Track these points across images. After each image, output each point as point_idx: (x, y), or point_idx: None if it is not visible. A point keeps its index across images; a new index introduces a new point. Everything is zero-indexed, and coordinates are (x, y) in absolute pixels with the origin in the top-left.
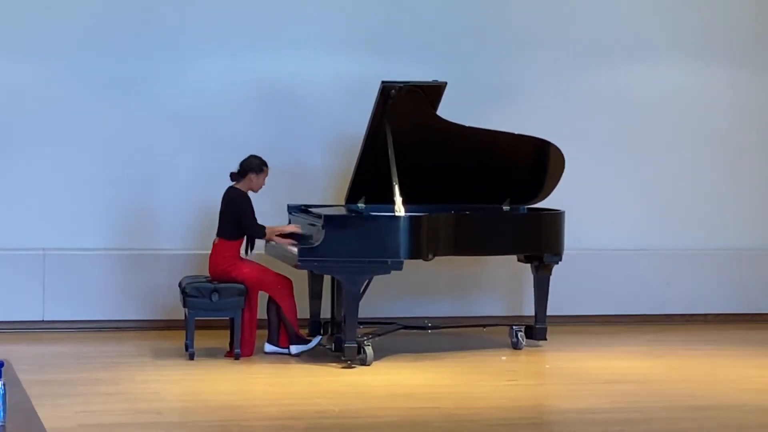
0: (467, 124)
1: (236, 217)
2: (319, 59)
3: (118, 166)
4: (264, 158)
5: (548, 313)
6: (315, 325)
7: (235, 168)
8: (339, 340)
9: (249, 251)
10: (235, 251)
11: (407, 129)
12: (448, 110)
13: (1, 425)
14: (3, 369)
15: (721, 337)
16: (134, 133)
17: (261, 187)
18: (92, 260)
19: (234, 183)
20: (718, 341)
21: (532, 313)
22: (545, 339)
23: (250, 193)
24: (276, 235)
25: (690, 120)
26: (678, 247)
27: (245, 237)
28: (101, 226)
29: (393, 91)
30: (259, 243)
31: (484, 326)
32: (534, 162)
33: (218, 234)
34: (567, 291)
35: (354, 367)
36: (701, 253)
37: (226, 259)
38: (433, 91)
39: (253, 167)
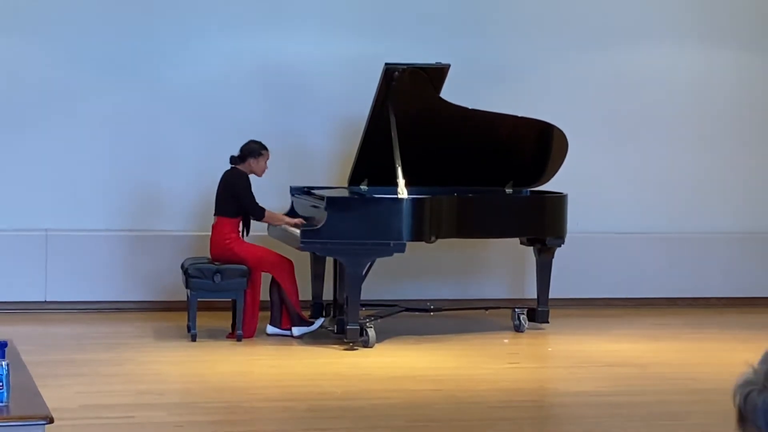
0: (470, 107)
1: (236, 196)
2: (323, 41)
3: (121, 147)
4: (266, 140)
5: (550, 296)
6: (317, 307)
7: (236, 150)
8: (341, 322)
9: (246, 234)
10: (235, 227)
11: (410, 111)
12: (451, 93)
13: (5, 405)
14: (6, 349)
15: (723, 320)
16: (137, 115)
17: (264, 171)
18: (95, 241)
19: (234, 165)
20: (720, 325)
21: (535, 296)
22: (547, 322)
23: (254, 178)
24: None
25: (693, 103)
26: (681, 231)
27: (242, 217)
28: (104, 207)
29: (396, 73)
30: (263, 224)
31: (487, 309)
32: (537, 145)
33: (217, 213)
34: (569, 274)
35: (356, 349)
36: (704, 237)
37: (227, 236)
38: (437, 73)
39: (251, 152)
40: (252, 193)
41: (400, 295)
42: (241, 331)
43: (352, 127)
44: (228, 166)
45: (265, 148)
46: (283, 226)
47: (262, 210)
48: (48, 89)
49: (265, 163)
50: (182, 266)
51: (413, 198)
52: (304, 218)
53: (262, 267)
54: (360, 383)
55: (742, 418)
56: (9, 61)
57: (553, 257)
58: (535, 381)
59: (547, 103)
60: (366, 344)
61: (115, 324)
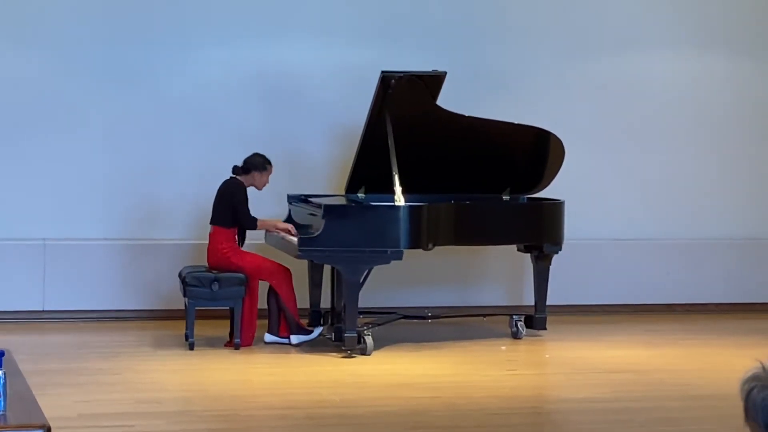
0: (467, 114)
1: (233, 207)
2: (320, 49)
3: (119, 156)
4: (264, 148)
5: (548, 302)
6: (315, 315)
7: (236, 158)
8: (339, 329)
9: (241, 243)
10: (232, 236)
11: (407, 119)
12: (448, 100)
13: (2, 414)
14: (3, 358)
15: (720, 326)
16: (135, 123)
17: (264, 185)
18: (93, 250)
19: (235, 176)
20: (717, 331)
21: (532, 303)
22: (545, 328)
23: (253, 191)
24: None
25: (689, 109)
26: (678, 237)
27: (239, 227)
28: (102, 216)
29: (393, 80)
30: (260, 232)
31: (484, 316)
32: (534, 152)
33: (213, 222)
34: (567, 280)
35: (354, 356)
36: (701, 243)
37: (225, 245)
38: (433, 80)
39: (257, 165)
40: (247, 205)
41: (397, 302)
42: (239, 340)
43: (349, 135)
44: (226, 175)
45: (270, 163)
46: (281, 234)
47: (255, 220)
48: (46, 99)
49: (268, 178)
50: (180, 275)
51: (410, 205)
52: (301, 226)
53: (259, 275)
54: (358, 391)
55: (746, 412)
56: (7, 70)
57: (550, 264)
58: (533, 387)
59: (544, 110)
60: (364, 352)
61: (114, 333)
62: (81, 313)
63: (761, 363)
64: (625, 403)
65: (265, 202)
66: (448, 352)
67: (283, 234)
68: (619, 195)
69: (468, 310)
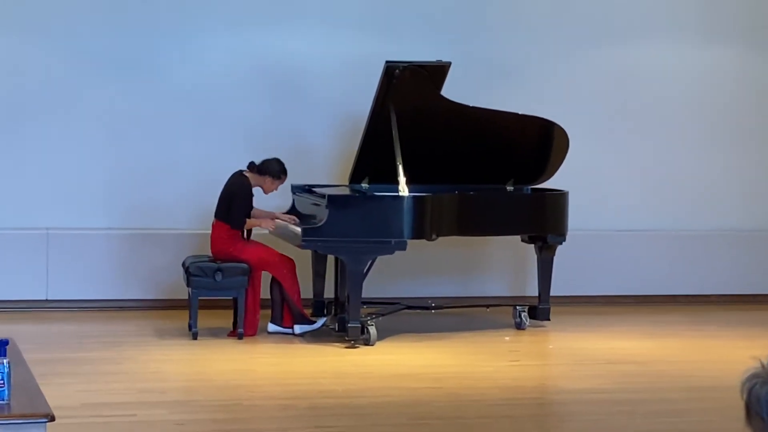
0: (471, 104)
1: (231, 201)
2: (324, 39)
3: (122, 146)
4: (268, 138)
5: (552, 293)
6: (318, 305)
7: (239, 148)
8: (342, 320)
9: (247, 236)
10: (235, 230)
11: (411, 109)
12: (452, 90)
13: (6, 403)
14: (7, 348)
15: (724, 318)
16: (137, 113)
17: (271, 192)
18: (96, 240)
19: (247, 171)
20: (721, 322)
21: (536, 294)
22: (548, 319)
23: (258, 192)
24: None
25: (694, 100)
26: (682, 228)
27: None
28: (105, 205)
29: (397, 71)
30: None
31: (488, 306)
32: (538, 142)
33: (216, 216)
34: (570, 271)
35: (357, 347)
36: (705, 234)
37: (228, 239)
38: (437, 71)
39: (272, 172)
40: (245, 206)
41: (401, 292)
42: (242, 330)
43: (353, 126)
44: (230, 166)
45: (285, 173)
46: (286, 225)
47: (243, 223)
48: (48, 87)
49: (278, 186)
50: (183, 264)
51: (414, 196)
52: (305, 216)
53: (263, 266)
54: (361, 381)
55: (748, 411)
56: (9, 59)
57: (554, 255)
58: (536, 378)
59: (549, 100)
60: (367, 342)
61: (117, 322)
62: (84, 303)
63: (760, 361)
64: (628, 394)
65: (270, 194)
66: (451, 343)
67: (285, 223)
68: (623, 186)
69: (471, 300)
